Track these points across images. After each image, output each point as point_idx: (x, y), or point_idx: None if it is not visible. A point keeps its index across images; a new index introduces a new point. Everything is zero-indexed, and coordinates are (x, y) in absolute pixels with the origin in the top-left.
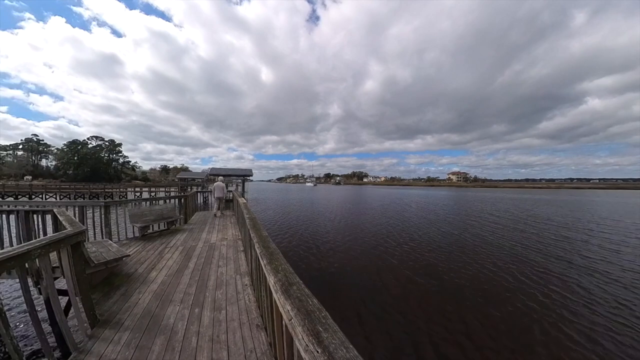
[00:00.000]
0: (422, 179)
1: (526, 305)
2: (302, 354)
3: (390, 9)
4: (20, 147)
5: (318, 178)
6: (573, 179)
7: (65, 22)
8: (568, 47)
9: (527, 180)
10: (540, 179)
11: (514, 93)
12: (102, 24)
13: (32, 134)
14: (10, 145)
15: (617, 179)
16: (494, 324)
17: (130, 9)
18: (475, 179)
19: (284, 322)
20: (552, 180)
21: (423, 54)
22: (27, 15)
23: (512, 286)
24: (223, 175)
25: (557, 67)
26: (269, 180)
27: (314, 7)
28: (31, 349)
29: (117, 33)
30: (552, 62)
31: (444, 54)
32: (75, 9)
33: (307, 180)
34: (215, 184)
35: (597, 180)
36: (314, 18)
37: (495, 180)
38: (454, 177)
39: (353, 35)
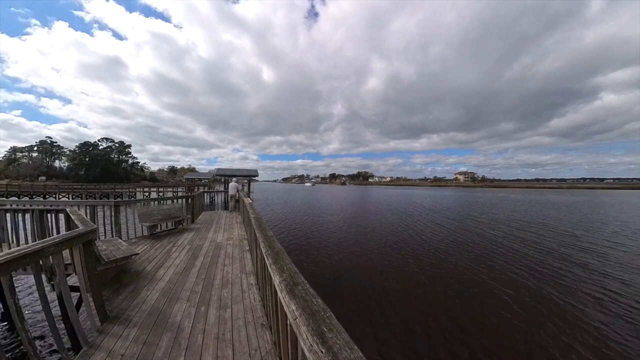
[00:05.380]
0: (428, 179)
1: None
2: (307, 353)
3: (392, 2)
4: (35, 149)
5: (323, 178)
6: (586, 179)
7: (69, 26)
8: (582, 38)
9: (537, 180)
10: (551, 179)
11: (523, 89)
12: (103, 27)
13: (46, 136)
14: (25, 147)
15: (633, 179)
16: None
17: (130, 12)
18: (484, 179)
19: (288, 321)
20: (564, 180)
21: (427, 49)
22: (33, 21)
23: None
24: (229, 176)
25: (569, 60)
26: (274, 181)
27: (312, 2)
28: (44, 342)
29: (118, 36)
30: (564, 54)
31: (449, 49)
32: (76, 13)
33: (307, 181)
34: (230, 184)
35: (612, 180)
36: (312, 14)
37: (504, 180)
38: (461, 177)
39: (354, 31)
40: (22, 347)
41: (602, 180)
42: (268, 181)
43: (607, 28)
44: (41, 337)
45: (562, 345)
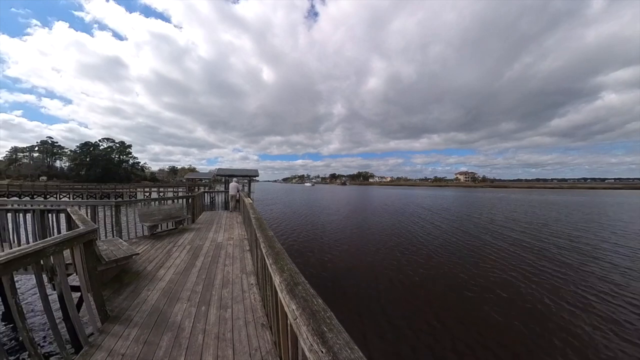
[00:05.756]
0: (429, 179)
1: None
2: (307, 353)
3: (392, 2)
4: (36, 149)
5: (324, 178)
6: (587, 179)
7: (69, 26)
8: (583, 37)
9: (538, 180)
10: (552, 179)
11: (524, 88)
12: (103, 27)
13: (46, 137)
14: (26, 147)
15: (634, 179)
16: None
17: (130, 12)
18: (484, 179)
19: (288, 321)
20: (565, 180)
21: (427, 49)
22: (34, 21)
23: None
24: (229, 176)
25: (570, 60)
26: (275, 181)
27: (312, 2)
28: (45, 341)
29: (118, 36)
30: (565, 53)
31: (449, 48)
32: (77, 13)
33: (306, 181)
34: (230, 184)
35: (613, 180)
36: (312, 14)
37: (505, 180)
38: (461, 177)
39: (354, 31)
40: (23, 346)
41: (603, 180)
42: (268, 181)
43: (608, 27)
44: (42, 337)
45: (553, 347)
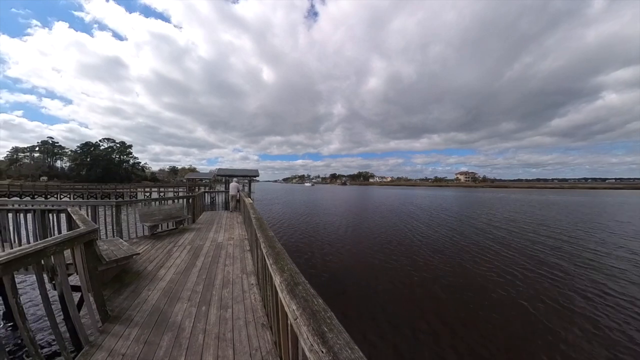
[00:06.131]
0: (429, 179)
1: None
2: (307, 353)
3: (392, 1)
4: (37, 149)
5: (324, 178)
6: (588, 179)
7: (69, 27)
8: (583, 37)
9: (538, 180)
10: (553, 179)
11: (524, 88)
12: (103, 27)
13: (47, 137)
14: (27, 147)
15: (634, 179)
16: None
17: (130, 12)
18: (484, 179)
19: (289, 321)
20: (565, 180)
21: (427, 49)
22: (34, 22)
23: None
24: (230, 176)
25: (570, 59)
26: (275, 181)
27: (312, 2)
28: (45, 341)
29: (118, 36)
30: (565, 53)
31: (449, 48)
32: (76, 13)
33: (306, 181)
34: (231, 184)
35: (614, 180)
36: (312, 14)
37: (505, 180)
38: (462, 177)
39: (354, 31)
40: (23, 346)
41: (603, 180)
42: (269, 181)
43: (609, 27)
44: (42, 337)
45: (547, 348)
